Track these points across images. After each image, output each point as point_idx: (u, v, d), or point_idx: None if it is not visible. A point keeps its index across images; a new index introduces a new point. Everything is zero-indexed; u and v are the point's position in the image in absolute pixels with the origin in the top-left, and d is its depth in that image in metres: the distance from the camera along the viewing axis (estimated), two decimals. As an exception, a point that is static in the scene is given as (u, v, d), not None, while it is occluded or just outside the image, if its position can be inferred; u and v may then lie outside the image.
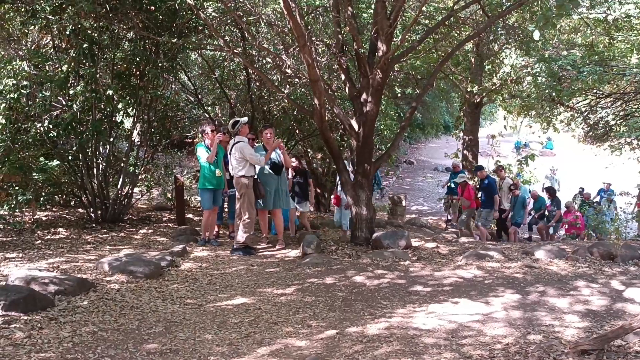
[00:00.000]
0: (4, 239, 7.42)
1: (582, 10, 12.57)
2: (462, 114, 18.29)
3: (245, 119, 8.03)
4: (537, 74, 13.34)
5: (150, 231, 8.86)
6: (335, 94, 10.63)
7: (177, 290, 5.50)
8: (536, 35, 4.98)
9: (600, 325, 4.40)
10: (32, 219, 8.67)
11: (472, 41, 12.19)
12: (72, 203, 10.36)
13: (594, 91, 15.74)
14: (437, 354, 3.86)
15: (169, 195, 11.62)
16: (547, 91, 13.79)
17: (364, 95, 8.17)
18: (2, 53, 9.72)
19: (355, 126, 8.26)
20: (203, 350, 3.95)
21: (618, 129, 16.90)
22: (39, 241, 7.43)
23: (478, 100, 16.41)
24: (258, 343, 4.13)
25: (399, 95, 15.18)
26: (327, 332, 4.38)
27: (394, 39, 8.50)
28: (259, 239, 8.58)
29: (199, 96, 12.84)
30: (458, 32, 11.39)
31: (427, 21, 11.45)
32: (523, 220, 12.33)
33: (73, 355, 3.62)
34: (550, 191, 12.86)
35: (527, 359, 3.70)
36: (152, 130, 10.02)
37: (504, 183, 12.24)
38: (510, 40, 12.18)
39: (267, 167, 8.09)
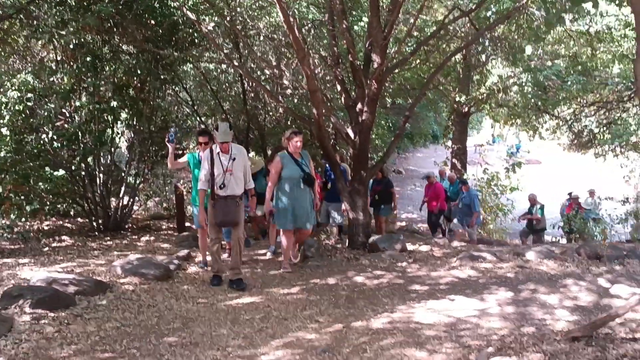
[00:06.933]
0: (12, 247, 7.63)
1: (565, 23, 13.03)
2: (450, 123, 18.69)
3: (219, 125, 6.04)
4: (523, 84, 13.78)
5: (152, 238, 9.06)
6: (330, 103, 10.93)
7: (188, 290, 5.75)
8: (528, 50, 5.33)
9: (589, 318, 4.68)
10: (40, 228, 8.86)
11: (460, 52, 12.58)
12: (71, 212, 10.52)
13: (578, 100, 16.25)
14: (438, 344, 4.15)
15: (164, 205, 11.82)
16: (533, 100, 14.24)
17: (359, 105, 8.46)
18: (5, 68, 9.91)
19: (352, 134, 8.56)
20: (220, 342, 4.21)
21: (602, 137, 17.42)
22: (47, 248, 7.64)
23: (466, 109, 16.82)
24: (271, 336, 4.39)
25: (389, 105, 15.54)
26: (334, 326, 4.65)
27: (388, 51, 8.83)
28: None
29: (195, 107, 13.08)
30: (447, 44, 11.78)
31: (416, 33, 11.82)
32: None
33: (102, 347, 3.88)
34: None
35: (522, 346, 3.99)
36: (151, 141, 10.24)
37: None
38: (497, 52, 12.62)
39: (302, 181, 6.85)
